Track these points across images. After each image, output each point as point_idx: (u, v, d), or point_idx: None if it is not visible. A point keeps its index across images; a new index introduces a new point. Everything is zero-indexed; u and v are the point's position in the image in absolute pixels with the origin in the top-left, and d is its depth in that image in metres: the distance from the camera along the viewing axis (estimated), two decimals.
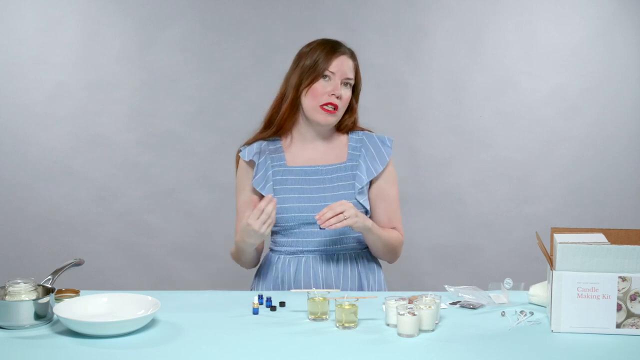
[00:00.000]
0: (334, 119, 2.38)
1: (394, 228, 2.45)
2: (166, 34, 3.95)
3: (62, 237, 4.01)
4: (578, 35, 3.96)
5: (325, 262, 2.39)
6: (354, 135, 2.48)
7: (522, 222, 4.04)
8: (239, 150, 2.47)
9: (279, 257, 2.43)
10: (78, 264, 2.17)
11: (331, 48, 2.38)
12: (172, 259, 4.07)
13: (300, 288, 2.38)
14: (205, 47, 3.96)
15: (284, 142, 2.47)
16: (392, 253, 2.45)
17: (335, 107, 2.36)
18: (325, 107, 2.35)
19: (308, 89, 2.36)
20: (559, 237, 1.97)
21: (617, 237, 2.06)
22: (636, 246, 1.87)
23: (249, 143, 2.47)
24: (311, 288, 2.37)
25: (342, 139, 2.48)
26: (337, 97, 2.35)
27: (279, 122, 2.43)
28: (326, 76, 2.36)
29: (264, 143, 2.46)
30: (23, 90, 3.94)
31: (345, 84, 2.38)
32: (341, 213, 2.21)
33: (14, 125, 3.95)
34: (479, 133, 4.02)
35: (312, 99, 2.36)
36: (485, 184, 4.05)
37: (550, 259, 1.99)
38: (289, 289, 2.39)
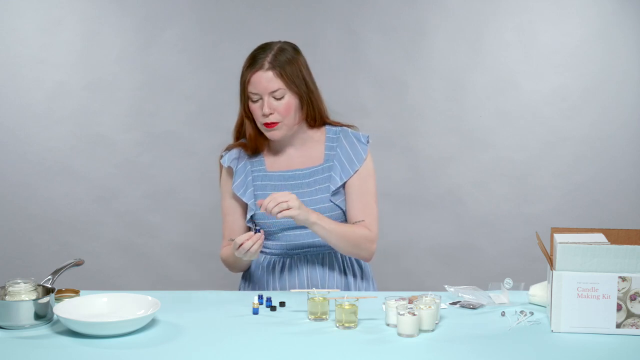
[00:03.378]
0: (278, 133, 2.35)
1: (362, 221, 2.39)
2: (166, 34, 3.95)
3: (62, 237, 4.01)
4: (578, 35, 3.96)
5: (311, 262, 2.40)
6: (330, 134, 2.44)
7: (522, 222, 4.03)
8: (221, 156, 2.48)
9: (264, 258, 2.44)
10: (78, 264, 2.17)
11: (247, 68, 2.34)
12: (172, 259, 4.07)
13: (285, 288, 2.39)
14: (205, 47, 3.96)
15: (264, 148, 2.46)
16: (356, 248, 2.36)
17: (273, 123, 2.33)
18: (265, 125, 2.34)
19: (246, 110, 2.37)
20: (559, 237, 1.97)
21: (617, 237, 2.06)
22: (636, 246, 1.87)
23: (229, 148, 2.47)
24: (296, 288, 2.38)
25: (319, 137, 2.45)
26: (269, 114, 2.31)
27: (252, 145, 2.41)
28: (253, 98, 2.33)
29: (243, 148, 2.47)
30: (23, 90, 3.94)
31: (274, 96, 2.32)
32: (285, 202, 2.19)
33: (14, 125, 3.95)
34: (479, 133, 4.02)
35: (256, 120, 2.37)
36: (485, 184, 4.05)
37: (550, 259, 1.99)
38: (274, 289, 2.40)
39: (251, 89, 2.31)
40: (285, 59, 2.32)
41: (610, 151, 4.01)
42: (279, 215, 2.19)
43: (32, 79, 3.93)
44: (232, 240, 2.40)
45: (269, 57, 2.32)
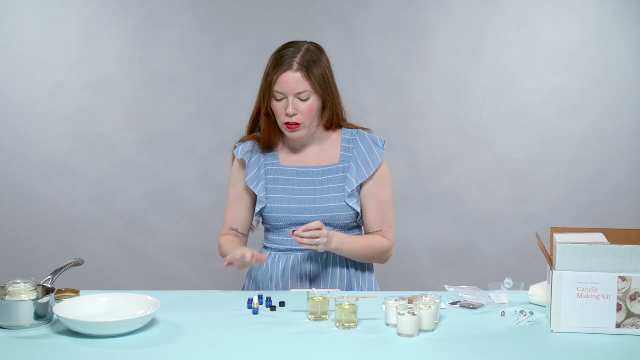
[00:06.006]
0: (300, 133, 2.36)
1: (380, 231, 2.43)
2: (166, 34, 3.95)
3: (62, 237, 4.01)
4: (578, 35, 3.96)
5: (315, 261, 2.40)
6: (346, 135, 2.46)
7: (522, 222, 4.04)
8: (235, 147, 2.49)
9: (269, 254, 2.45)
10: (78, 264, 2.18)
11: (275, 67, 2.32)
12: (172, 258, 4.07)
13: (287, 286, 2.40)
14: (205, 47, 3.96)
15: (278, 143, 2.47)
16: (375, 260, 2.45)
17: (296, 124, 2.33)
18: (287, 125, 2.34)
19: (269, 107, 2.36)
20: (559, 237, 1.97)
21: (617, 237, 2.06)
22: (636, 246, 1.88)
23: (244, 140, 2.48)
24: (298, 286, 2.39)
25: (335, 137, 2.46)
26: (293, 115, 2.31)
27: (266, 140, 2.42)
28: (277, 97, 2.33)
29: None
30: (23, 90, 3.94)
31: (299, 97, 2.32)
32: (317, 238, 2.22)
33: (14, 125, 3.95)
34: (479, 133, 4.02)
35: (277, 118, 2.37)
36: (485, 184, 4.05)
37: (550, 259, 2.00)
38: (277, 286, 2.41)
39: (277, 88, 2.31)
40: (313, 61, 2.33)
41: (610, 151, 4.02)
42: (306, 247, 2.24)
43: (32, 79, 3.93)
44: (234, 229, 2.46)
45: (298, 58, 2.32)
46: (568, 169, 4.03)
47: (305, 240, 2.22)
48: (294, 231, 2.23)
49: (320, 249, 2.26)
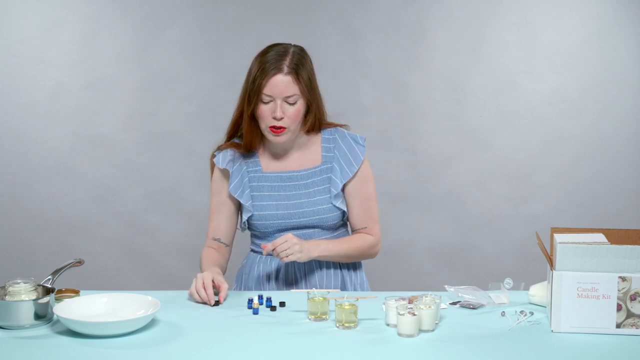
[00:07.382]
0: (284, 137, 2.33)
1: (365, 228, 2.43)
2: (166, 34, 3.95)
3: (62, 237, 4.01)
4: (578, 35, 3.96)
5: (308, 263, 2.39)
6: (326, 135, 2.43)
7: (522, 222, 4.04)
8: (213, 155, 2.46)
9: (260, 258, 2.44)
10: (78, 264, 2.17)
11: (263, 70, 2.28)
12: (172, 258, 4.07)
13: (281, 287, 2.40)
14: (205, 47, 3.96)
15: (259, 148, 2.45)
16: (362, 257, 2.45)
17: (281, 127, 2.31)
18: (272, 129, 2.31)
19: (254, 111, 2.33)
20: (559, 237, 1.97)
21: (617, 237, 2.06)
22: (636, 246, 1.88)
23: (221, 148, 2.45)
24: (293, 287, 2.39)
25: (315, 140, 2.44)
26: (280, 119, 2.29)
27: (247, 142, 2.39)
28: (264, 100, 2.30)
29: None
30: (23, 90, 3.94)
31: (287, 101, 2.30)
32: (285, 250, 2.22)
33: (14, 125, 3.95)
34: (479, 133, 4.02)
35: (260, 121, 2.33)
36: (485, 184, 4.05)
37: (550, 259, 2.00)
38: (270, 289, 2.40)
39: (267, 91, 2.28)
40: (300, 64, 2.30)
41: (610, 151, 4.02)
42: (285, 260, 2.23)
43: (32, 79, 3.93)
44: (216, 239, 2.45)
45: (287, 61, 2.29)
46: (568, 169, 4.03)
47: (281, 254, 2.22)
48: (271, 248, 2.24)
49: (297, 258, 2.24)
